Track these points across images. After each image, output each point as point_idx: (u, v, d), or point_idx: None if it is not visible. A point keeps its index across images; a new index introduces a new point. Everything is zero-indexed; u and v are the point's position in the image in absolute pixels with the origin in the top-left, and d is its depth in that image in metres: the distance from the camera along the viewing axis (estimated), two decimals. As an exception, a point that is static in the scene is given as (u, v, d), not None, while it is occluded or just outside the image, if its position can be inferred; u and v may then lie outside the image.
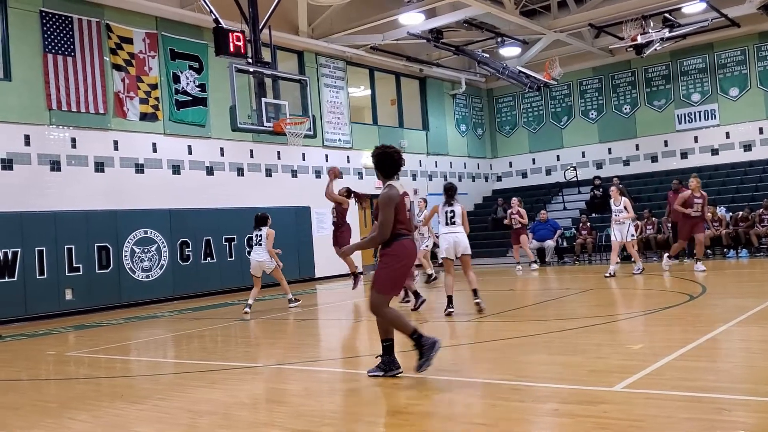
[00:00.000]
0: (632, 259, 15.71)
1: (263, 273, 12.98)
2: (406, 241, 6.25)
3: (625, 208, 14.90)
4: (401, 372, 6.26)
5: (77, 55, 15.81)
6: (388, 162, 6.36)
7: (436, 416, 5.08)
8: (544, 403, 5.25)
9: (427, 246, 15.40)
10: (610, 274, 14.87)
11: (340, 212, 13.56)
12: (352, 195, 13.27)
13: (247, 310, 12.57)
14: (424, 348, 6.03)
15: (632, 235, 15.20)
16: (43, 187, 15.18)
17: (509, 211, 18.93)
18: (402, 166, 6.44)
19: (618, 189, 15.43)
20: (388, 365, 6.30)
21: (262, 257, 12.93)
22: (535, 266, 18.99)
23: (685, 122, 24.34)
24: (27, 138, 15.06)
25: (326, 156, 21.56)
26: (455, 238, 10.87)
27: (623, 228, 14.92)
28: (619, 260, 15.64)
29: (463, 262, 10.94)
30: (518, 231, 18.81)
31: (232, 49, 13.95)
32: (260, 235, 12.99)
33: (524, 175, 27.90)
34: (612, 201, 15.17)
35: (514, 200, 19.17)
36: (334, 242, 13.62)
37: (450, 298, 10.60)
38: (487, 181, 28.47)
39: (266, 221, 13.11)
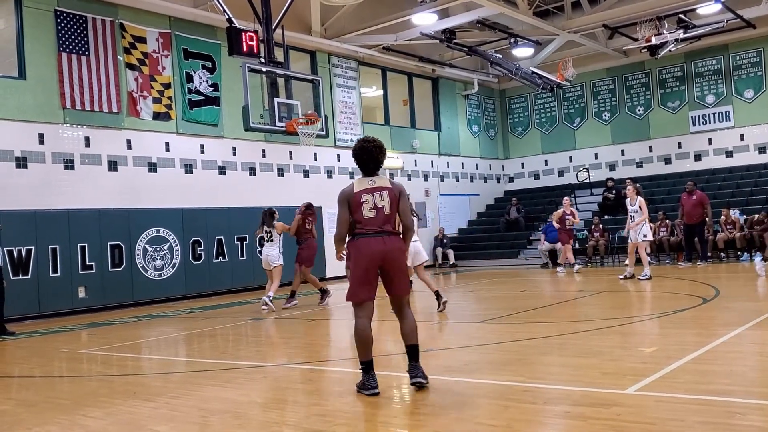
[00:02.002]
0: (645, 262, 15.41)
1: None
2: (360, 240, 5.83)
3: (639, 207, 14.64)
4: (415, 384, 5.90)
5: (91, 54, 15.89)
6: (363, 157, 6.01)
7: (448, 417, 5.07)
8: (556, 404, 5.24)
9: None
10: (625, 276, 14.74)
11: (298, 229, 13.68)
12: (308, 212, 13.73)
13: (264, 308, 12.84)
14: (360, 383, 5.87)
15: (644, 236, 14.75)
16: (57, 185, 15.26)
17: (561, 210, 18.02)
18: (379, 161, 6.03)
19: (634, 188, 15.08)
20: (409, 370, 5.96)
21: (269, 252, 13.24)
22: (561, 269, 18.38)
23: (699, 124, 24.21)
24: (41, 137, 15.15)
25: (338, 156, 21.59)
26: (415, 247, 11.19)
27: (636, 228, 14.71)
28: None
29: (420, 269, 11.40)
30: (569, 231, 18.15)
31: (245, 48, 13.99)
32: (271, 231, 13.16)
33: (536, 177, 27.83)
34: (628, 201, 14.97)
35: (566, 200, 18.42)
36: (296, 259, 13.75)
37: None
38: (499, 182, 28.41)
39: (275, 216, 13.32)
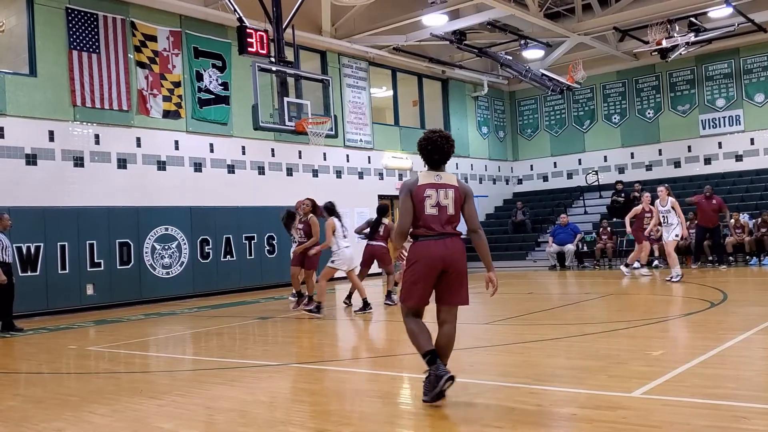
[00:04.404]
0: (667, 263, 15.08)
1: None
2: (420, 243, 5.43)
3: (672, 208, 14.49)
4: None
5: (102, 52, 15.95)
6: (429, 148, 5.55)
7: (454, 418, 5.07)
8: (562, 407, 5.23)
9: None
10: (671, 278, 14.49)
11: (306, 231, 12.62)
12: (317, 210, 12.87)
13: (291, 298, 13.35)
14: (428, 377, 5.35)
15: (676, 236, 14.59)
16: (67, 182, 15.32)
17: (640, 207, 16.37)
18: (445, 152, 5.55)
19: (666, 189, 14.84)
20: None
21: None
22: (645, 271, 16.51)
23: (710, 128, 24.11)
24: (51, 134, 15.22)
25: (347, 156, 21.61)
26: (351, 252, 11.87)
27: (668, 228, 14.57)
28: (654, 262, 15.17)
29: (353, 274, 12.10)
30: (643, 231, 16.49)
31: (255, 48, 14.02)
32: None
33: (545, 179, 27.77)
34: (658, 201, 14.80)
35: (647, 196, 16.59)
36: (299, 263, 12.51)
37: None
38: (507, 183, 28.37)
39: (295, 218, 13.33)
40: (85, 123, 15.76)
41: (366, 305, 11.96)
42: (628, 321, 9.50)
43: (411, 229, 5.53)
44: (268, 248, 18.44)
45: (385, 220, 13.03)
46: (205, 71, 17.97)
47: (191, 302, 16.11)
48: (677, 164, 24.78)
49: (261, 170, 19.30)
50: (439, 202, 5.44)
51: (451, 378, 5.21)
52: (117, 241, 15.67)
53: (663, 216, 14.70)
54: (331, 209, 12.15)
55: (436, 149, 5.53)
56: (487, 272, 5.63)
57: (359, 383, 6.02)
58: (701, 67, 24.24)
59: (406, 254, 5.98)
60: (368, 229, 13.21)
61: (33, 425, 5.50)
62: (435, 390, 5.21)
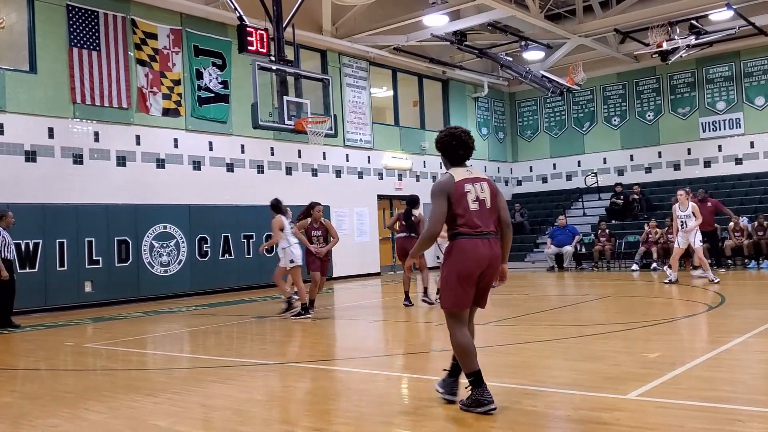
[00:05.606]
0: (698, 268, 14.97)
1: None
2: (466, 241, 5.13)
3: (693, 213, 14.35)
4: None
5: (102, 50, 15.95)
6: (453, 143, 5.34)
7: (449, 418, 5.07)
8: (557, 408, 5.24)
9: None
10: (669, 280, 14.57)
11: (324, 234, 12.27)
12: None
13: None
14: (471, 400, 5.13)
15: (700, 240, 14.53)
16: (66, 180, 15.32)
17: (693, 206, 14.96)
18: (470, 147, 5.36)
19: (687, 193, 14.72)
20: (473, 399, 5.17)
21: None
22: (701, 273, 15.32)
23: (710, 130, 24.11)
24: (51, 131, 15.22)
25: (347, 156, 21.61)
26: (300, 250, 12.02)
27: (690, 235, 14.44)
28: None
29: (281, 272, 12.21)
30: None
31: (255, 46, 14.02)
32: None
33: (545, 180, 27.78)
34: (677, 205, 14.67)
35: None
36: (317, 268, 12.19)
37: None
38: (507, 185, 28.36)
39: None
40: (84, 120, 15.76)
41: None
42: (625, 323, 9.50)
43: (447, 229, 5.33)
44: (267, 247, 18.41)
45: (416, 212, 12.78)
46: (205, 69, 17.97)
47: (189, 300, 16.11)
48: (677, 167, 24.78)
49: (260, 169, 19.29)
50: (478, 196, 5.22)
51: (494, 409, 5.03)
52: (116, 238, 15.67)
53: (682, 221, 14.50)
54: (277, 206, 12.06)
55: (461, 144, 5.34)
56: (502, 263, 5.45)
57: (356, 383, 6.02)
58: (702, 69, 24.25)
59: (419, 262, 5.84)
60: (398, 224, 12.83)
61: (29, 422, 5.50)
62: (474, 410, 5.07)
